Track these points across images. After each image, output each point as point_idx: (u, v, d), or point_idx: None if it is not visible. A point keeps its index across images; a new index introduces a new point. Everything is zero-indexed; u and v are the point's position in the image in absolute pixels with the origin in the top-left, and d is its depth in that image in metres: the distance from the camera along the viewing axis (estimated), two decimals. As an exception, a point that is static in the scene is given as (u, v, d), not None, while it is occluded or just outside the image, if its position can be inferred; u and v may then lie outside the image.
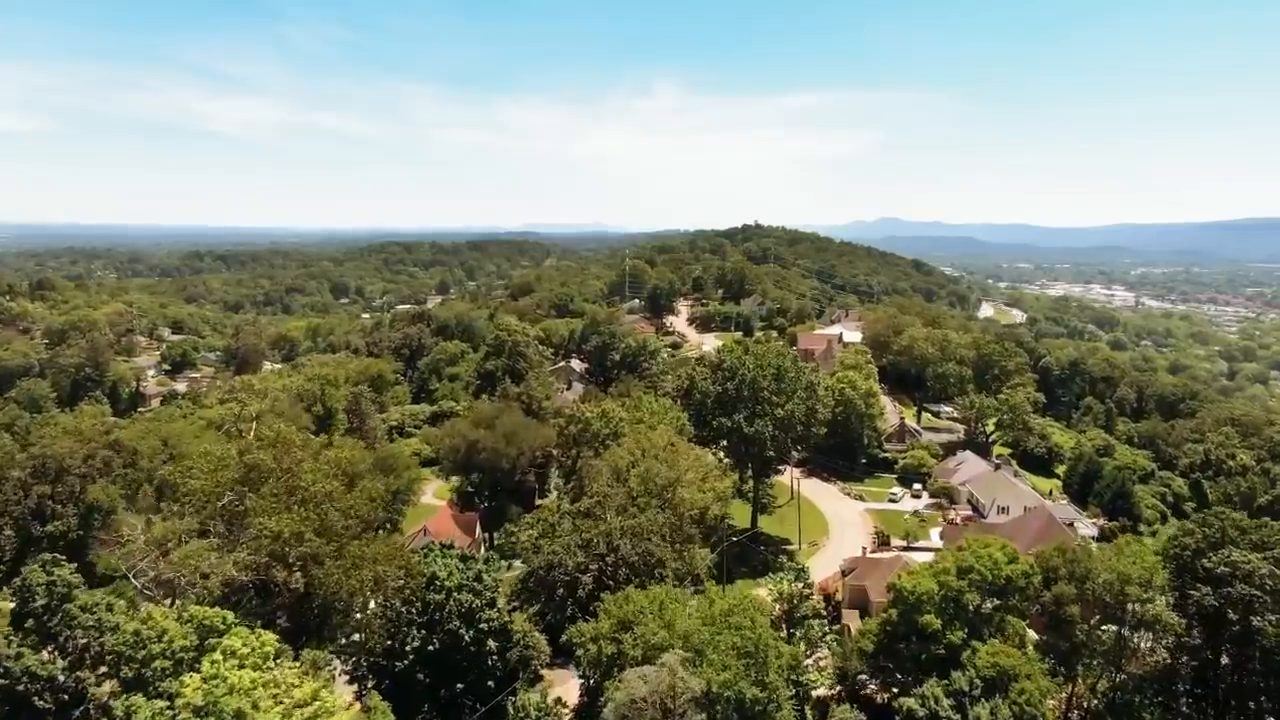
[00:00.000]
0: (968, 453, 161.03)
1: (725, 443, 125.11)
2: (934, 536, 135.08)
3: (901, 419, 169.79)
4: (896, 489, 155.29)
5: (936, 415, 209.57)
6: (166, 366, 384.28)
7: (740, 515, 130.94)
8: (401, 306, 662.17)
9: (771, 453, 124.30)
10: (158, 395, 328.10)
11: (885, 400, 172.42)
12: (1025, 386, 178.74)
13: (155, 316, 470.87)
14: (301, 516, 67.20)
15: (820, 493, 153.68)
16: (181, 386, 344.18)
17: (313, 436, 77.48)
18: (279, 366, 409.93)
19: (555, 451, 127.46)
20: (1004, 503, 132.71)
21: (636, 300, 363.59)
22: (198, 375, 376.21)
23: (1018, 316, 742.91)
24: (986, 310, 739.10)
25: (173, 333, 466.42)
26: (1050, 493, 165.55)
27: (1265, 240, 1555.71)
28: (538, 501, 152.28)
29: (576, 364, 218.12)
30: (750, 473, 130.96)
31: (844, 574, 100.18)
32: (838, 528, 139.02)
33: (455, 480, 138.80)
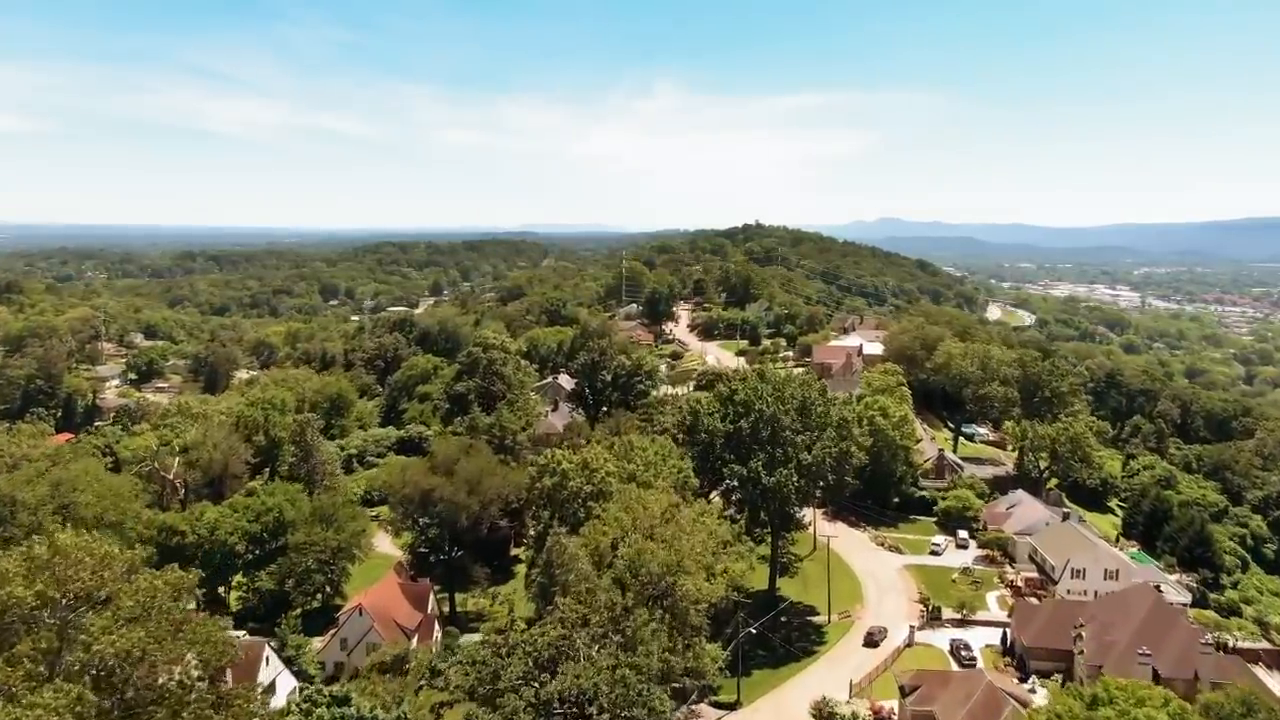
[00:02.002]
0: (1021, 493, 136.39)
1: (737, 494, 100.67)
2: (991, 603, 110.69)
3: (940, 452, 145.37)
4: (939, 538, 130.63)
5: (970, 439, 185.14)
6: (132, 375, 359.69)
7: (756, 574, 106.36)
8: (393, 309, 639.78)
9: (796, 506, 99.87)
10: (119, 407, 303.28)
11: (919, 427, 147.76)
12: (1082, 412, 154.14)
13: (127, 321, 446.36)
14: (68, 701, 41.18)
15: (849, 542, 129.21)
16: (148, 397, 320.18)
17: (119, 552, 50.19)
18: (254, 374, 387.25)
19: (526, 510, 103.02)
20: (1079, 564, 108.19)
21: (634, 305, 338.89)
22: (165, 385, 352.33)
23: (1026, 318, 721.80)
24: (994, 312, 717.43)
25: (146, 338, 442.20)
26: (1118, 540, 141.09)
27: (1266, 240, 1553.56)
28: (513, 550, 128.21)
29: (566, 380, 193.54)
30: (766, 523, 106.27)
31: (903, 692, 75.77)
32: (873, 591, 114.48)
33: (408, 535, 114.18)
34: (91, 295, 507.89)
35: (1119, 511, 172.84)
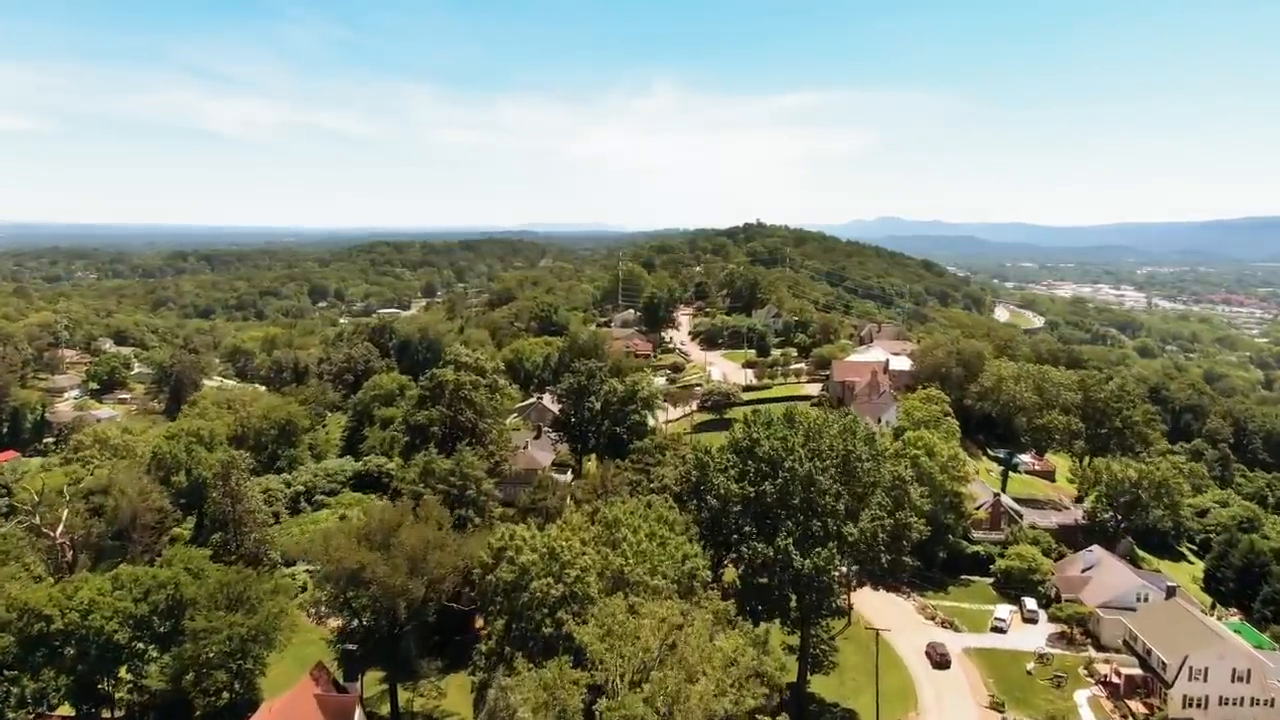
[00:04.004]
0: (1099, 551, 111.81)
1: (759, 578, 76.17)
2: (1083, 708, 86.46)
3: (996, 496, 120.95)
4: (1001, 609, 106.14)
5: (1014, 468, 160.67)
6: (93, 386, 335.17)
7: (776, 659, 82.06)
8: (383, 311, 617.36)
9: (838, 597, 75.61)
10: (73, 422, 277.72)
11: (970, 465, 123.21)
12: (1157, 444, 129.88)
13: (95, 326, 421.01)
14: None
15: (889, 612, 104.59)
16: (105, 412, 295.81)
17: None
18: (228, 383, 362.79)
19: (480, 609, 78.51)
20: (1200, 661, 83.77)
21: (631, 310, 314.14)
22: (128, 396, 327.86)
23: (1035, 320, 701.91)
24: (1001, 314, 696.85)
25: (115, 344, 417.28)
26: (1217, 610, 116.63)
27: (1268, 240, 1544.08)
28: (477, 622, 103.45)
29: (552, 401, 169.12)
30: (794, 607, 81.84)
31: None
32: (928, 688, 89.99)
33: (337, 620, 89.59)
34: (60, 298, 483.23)
35: (1190, 556, 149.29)
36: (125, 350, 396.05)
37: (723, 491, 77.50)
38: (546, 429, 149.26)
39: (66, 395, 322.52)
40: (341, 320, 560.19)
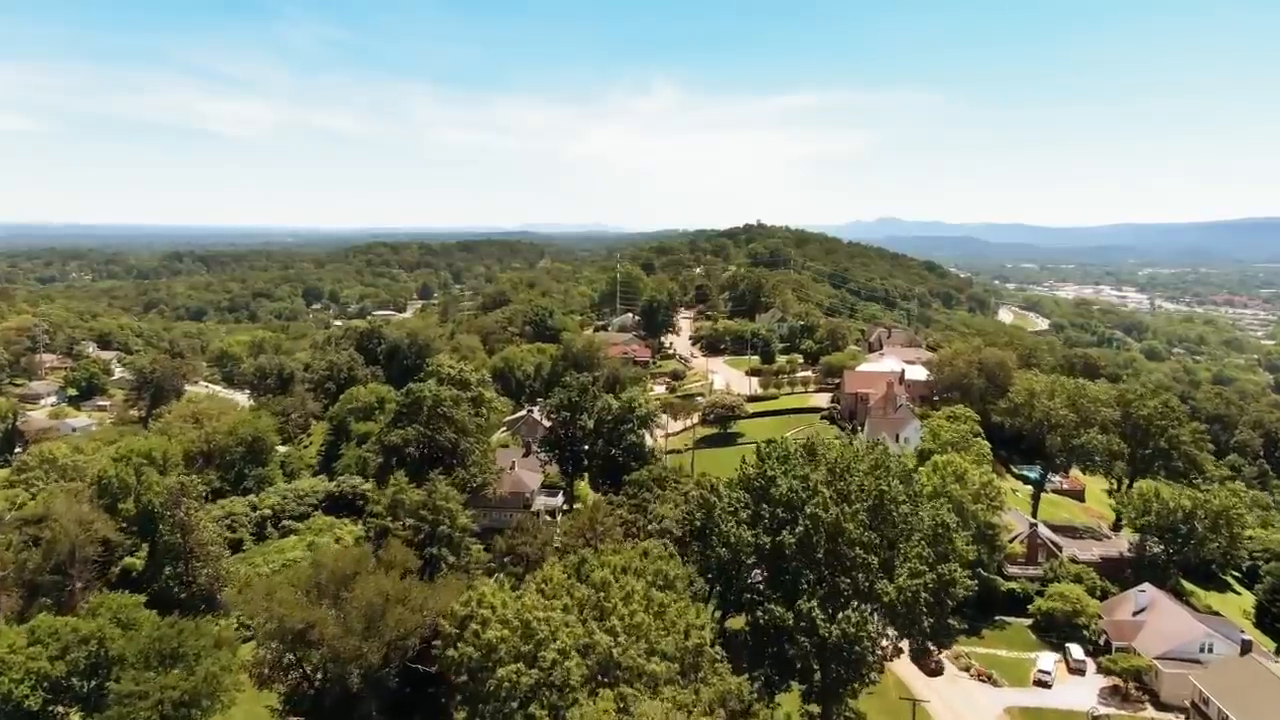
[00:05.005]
0: (1152, 591, 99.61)
1: (779, 644, 64.11)
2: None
3: (1033, 527, 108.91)
4: (1044, 658, 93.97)
5: (1041, 488, 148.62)
6: (72, 392, 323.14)
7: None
8: (378, 313, 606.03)
9: (872, 669, 63.53)
10: (48, 431, 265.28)
11: (1004, 491, 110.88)
12: (1207, 466, 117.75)
13: (78, 330, 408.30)
14: None
15: (918, 662, 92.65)
16: (81, 420, 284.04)
17: None
18: (213, 389, 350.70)
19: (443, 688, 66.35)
20: (1287, 734, 71.67)
21: (629, 315, 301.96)
22: (107, 404, 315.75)
23: (1040, 322, 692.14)
24: (1005, 316, 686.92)
25: (99, 348, 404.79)
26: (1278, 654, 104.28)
27: (1269, 240, 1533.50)
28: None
29: (542, 414, 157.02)
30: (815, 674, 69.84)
31: None
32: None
33: (281, 684, 77.32)
34: (42, 300, 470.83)
35: (1236, 585, 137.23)
36: (108, 355, 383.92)
37: (733, 540, 65.41)
38: (536, 448, 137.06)
39: (43, 402, 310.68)
40: (336, 323, 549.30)
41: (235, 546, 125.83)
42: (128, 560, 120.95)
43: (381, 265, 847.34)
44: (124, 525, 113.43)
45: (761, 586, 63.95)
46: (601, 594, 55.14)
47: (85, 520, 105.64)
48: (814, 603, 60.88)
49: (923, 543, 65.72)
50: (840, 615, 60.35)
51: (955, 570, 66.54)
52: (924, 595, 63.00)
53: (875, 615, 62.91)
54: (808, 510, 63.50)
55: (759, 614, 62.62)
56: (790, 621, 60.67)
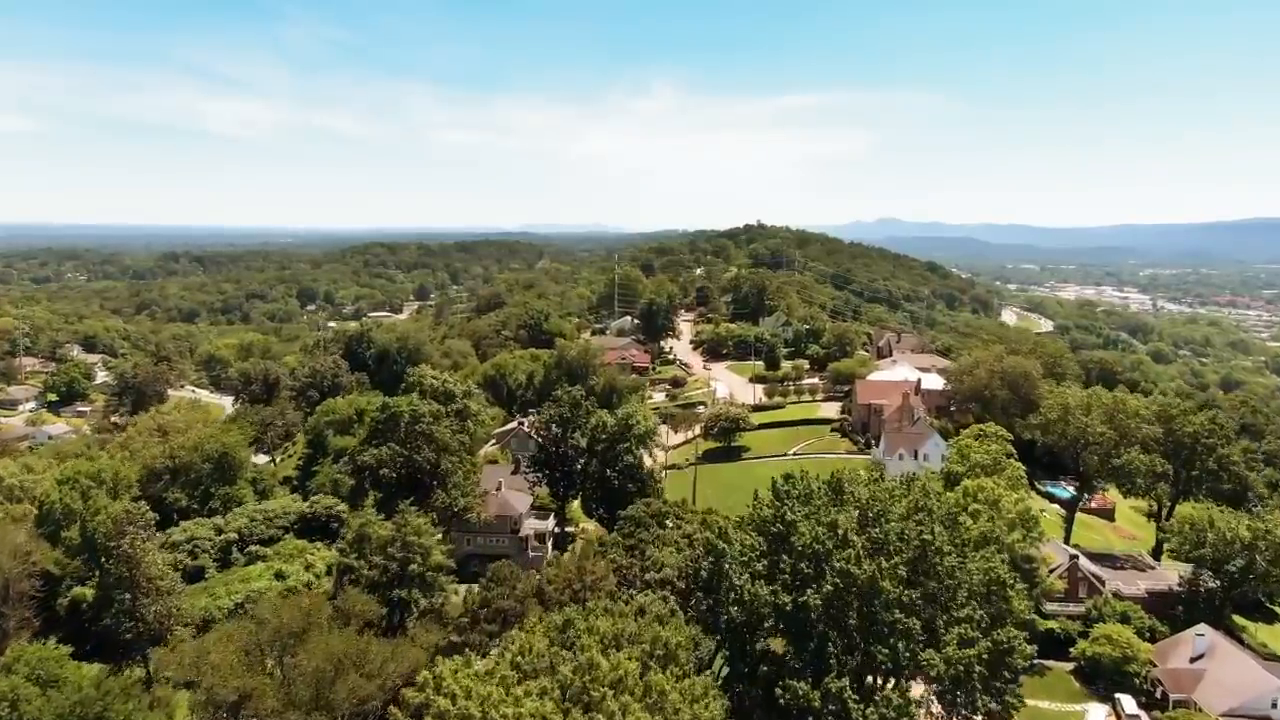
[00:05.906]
0: (1210, 634, 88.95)
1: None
2: None
3: (1074, 559, 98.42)
4: (1092, 710, 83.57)
5: (1075, 509, 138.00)
6: (52, 398, 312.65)
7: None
8: (374, 314, 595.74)
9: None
10: (23, 438, 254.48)
11: (1042, 518, 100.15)
12: (1259, 489, 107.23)
13: (63, 333, 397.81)
14: None
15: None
16: (59, 427, 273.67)
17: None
18: (199, 394, 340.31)
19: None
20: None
21: (628, 318, 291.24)
22: (87, 409, 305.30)
23: (1044, 323, 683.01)
24: (1008, 317, 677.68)
25: (84, 351, 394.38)
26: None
27: (1270, 241, 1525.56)
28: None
29: (532, 429, 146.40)
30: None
31: None
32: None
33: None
34: (26, 302, 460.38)
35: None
36: (93, 358, 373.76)
37: (747, 598, 54.83)
38: (526, 466, 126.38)
39: (21, 408, 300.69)
40: (330, 324, 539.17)
41: (196, 575, 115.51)
42: (78, 590, 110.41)
43: (379, 266, 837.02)
44: (69, 555, 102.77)
45: (784, 658, 53.45)
46: (586, 678, 44.74)
47: (21, 551, 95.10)
48: (845, 680, 50.28)
49: (973, 601, 55.23)
50: (879, 697, 49.84)
51: (1013, 635, 55.89)
52: (979, 669, 52.46)
53: (920, 690, 52.38)
54: (837, 565, 52.96)
55: (779, 691, 52.06)
56: (817, 702, 50.09)
